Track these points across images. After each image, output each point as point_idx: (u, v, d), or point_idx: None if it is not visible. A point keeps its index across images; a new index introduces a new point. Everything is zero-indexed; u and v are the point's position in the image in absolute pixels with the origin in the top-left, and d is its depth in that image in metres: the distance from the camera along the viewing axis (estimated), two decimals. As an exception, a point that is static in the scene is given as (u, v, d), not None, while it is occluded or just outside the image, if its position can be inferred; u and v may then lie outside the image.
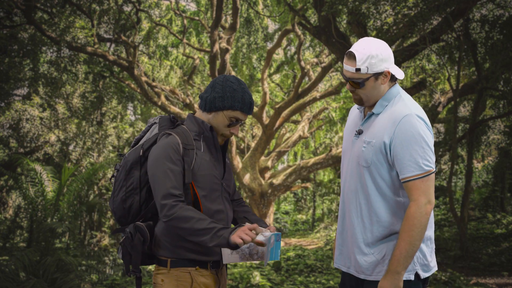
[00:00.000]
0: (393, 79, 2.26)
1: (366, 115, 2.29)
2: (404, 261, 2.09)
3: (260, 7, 16.37)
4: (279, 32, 15.84)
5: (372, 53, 2.13)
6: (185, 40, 15.28)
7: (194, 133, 2.18)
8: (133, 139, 2.40)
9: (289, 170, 14.62)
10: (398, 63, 10.92)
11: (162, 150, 2.07)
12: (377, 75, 2.17)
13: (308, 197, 25.58)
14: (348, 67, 2.18)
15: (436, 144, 12.29)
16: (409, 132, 2.12)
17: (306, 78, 15.28)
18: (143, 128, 2.39)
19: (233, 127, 2.20)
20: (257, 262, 9.72)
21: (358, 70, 2.14)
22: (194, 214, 1.98)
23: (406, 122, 2.13)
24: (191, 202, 2.11)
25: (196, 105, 14.92)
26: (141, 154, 2.16)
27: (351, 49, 2.18)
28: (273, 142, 18.49)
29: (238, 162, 14.08)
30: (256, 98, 18.26)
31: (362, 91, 2.21)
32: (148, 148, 2.17)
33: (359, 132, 2.28)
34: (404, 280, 2.17)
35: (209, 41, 15.90)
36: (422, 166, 2.11)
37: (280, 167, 21.69)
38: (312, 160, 14.30)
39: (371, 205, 2.21)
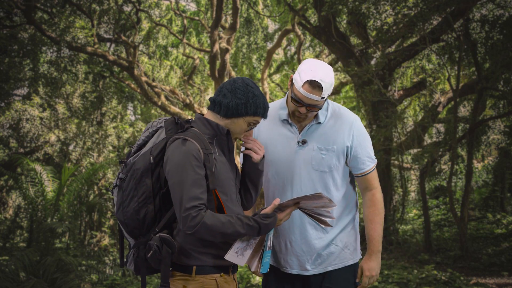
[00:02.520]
0: None
1: (306, 125, 2.41)
2: (381, 240, 2.44)
3: (260, 7, 16.37)
4: (279, 32, 15.85)
5: (332, 81, 2.28)
6: (185, 40, 15.28)
7: (207, 136, 2.12)
8: (135, 142, 2.27)
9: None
10: (398, 63, 10.94)
11: (182, 157, 1.98)
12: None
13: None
14: (313, 96, 2.25)
15: (436, 144, 12.27)
16: (363, 133, 2.45)
17: (306, 78, 15.27)
18: (144, 129, 2.27)
19: (248, 130, 2.20)
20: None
21: (322, 98, 2.27)
22: (221, 222, 1.95)
23: (358, 125, 2.44)
24: (215, 207, 2.06)
25: (196, 105, 14.91)
26: (151, 161, 2.05)
27: (315, 79, 2.23)
28: (273, 142, 18.48)
29: (238, 162, 14.08)
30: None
31: (314, 112, 2.35)
32: (158, 154, 2.07)
33: (304, 142, 2.39)
34: (356, 262, 2.48)
35: (209, 41, 15.90)
36: (374, 158, 2.47)
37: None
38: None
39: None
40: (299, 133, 2.42)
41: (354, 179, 2.52)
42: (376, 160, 2.49)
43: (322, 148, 2.38)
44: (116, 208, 2.10)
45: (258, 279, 7.62)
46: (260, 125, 2.51)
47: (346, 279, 2.43)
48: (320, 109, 2.33)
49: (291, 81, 2.33)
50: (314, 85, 2.23)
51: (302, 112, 2.32)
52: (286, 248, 2.43)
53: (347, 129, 2.41)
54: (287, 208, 2.10)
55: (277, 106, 2.50)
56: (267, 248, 2.12)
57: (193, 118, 2.24)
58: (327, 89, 2.25)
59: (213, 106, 2.15)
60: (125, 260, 2.21)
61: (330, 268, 2.42)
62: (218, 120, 2.15)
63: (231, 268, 2.12)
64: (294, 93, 2.30)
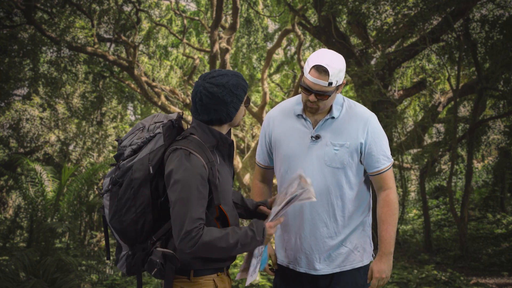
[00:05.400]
0: None
1: (320, 120, 2.38)
2: (393, 241, 2.37)
3: (260, 7, 16.37)
4: (279, 32, 15.84)
5: (340, 67, 2.27)
6: (185, 40, 15.28)
7: (209, 144, 2.07)
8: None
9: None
10: (398, 63, 10.93)
11: (188, 175, 1.93)
12: (339, 86, 2.31)
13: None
14: (319, 81, 2.24)
15: (436, 144, 12.27)
16: (378, 130, 2.40)
17: (306, 78, 15.25)
18: (132, 128, 2.18)
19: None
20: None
21: (330, 84, 2.24)
22: (216, 237, 1.94)
23: (374, 122, 2.40)
24: (215, 218, 2.05)
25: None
26: (151, 171, 1.97)
27: (321, 64, 2.23)
28: (273, 142, 18.46)
29: (238, 162, 14.07)
30: (256, 98, 18.26)
31: (325, 102, 2.31)
32: (156, 163, 2.00)
33: (317, 137, 2.36)
34: (366, 265, 2.43)
35: (209, 41, 15.90)
36: (390, 157, 2.41)
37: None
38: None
39: (345, 203, 2.37)
40: (313, 128, 2.39)
41: (368, 178, 2.46)
42: (392, 159, 2.43)
43: (335, 143, 2.34)
44: (109, 214, 2.03)
45: (257, 279, 7.61)
46: (275, 120, 2.50)
47: (354, 281, 2.39)
48: (329, 96, 2.28)
49: (302, 72, 2.35)
50: (320, 70, 2.23)
51: (312, 100, 2.29)
52: (296, 244, 2.41)
53: (361, 125, 2.36)
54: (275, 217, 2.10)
55: (293, 102, 2.49)
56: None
57: (191, 123, 2.15)
58: (335, 74, 2.23)
59: (213, 123, 2.09)
60: (112, 257, 2.19)
61: (338, 270, 2.38)
62: (222, 127, 2.12)
63: (225, 266, 2.12)
64: (303, 81, 2.31)
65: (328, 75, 2.22)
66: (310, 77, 2.25)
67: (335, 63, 2.24)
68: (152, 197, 2.00)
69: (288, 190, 2.12)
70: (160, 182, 2.02)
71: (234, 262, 9.61)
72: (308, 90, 2.29)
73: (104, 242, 15.43)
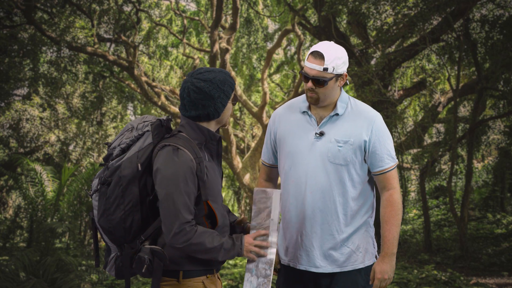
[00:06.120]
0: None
1: (325, 117, 2.39)
2: (396, 242, 2.35)
3: (260, 7, 16.37)
4: (279, 32, 15.84)
5: (338, 54, 2.29)
6: (185, 40, 15.28)
7: (197, 141, 2.08)
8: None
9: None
10: (398, 63, 10.94)
11: (176, 169, 1.94)
12: (338, 77, 2.32)
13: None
14: (315, 65, 2.28)
15: (436, 144, 12.28)
16: (383, 129, 2.39)
17: (306, 78, 15.23)
18: (122, 129, 2.18)
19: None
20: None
21: (325, 69, 2.27)
22: (206, 237, 1.98)
23: (379, 121, 2.40)
24: (204, 216, 2.06)
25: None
26: (139, 169, 1.97)
27: (318, 49, 2.29)
28: (273, 142, 18.44)
29: (238, 162, 14.07)
30: (256, 98, 18.26)
31: (323, 90, 2.32)
32: (144, 160, 2.00)
33: (321, 134, 2.37)
34: (368, 266, 2.41)
35: (209, 41, 15.89)
36: (394, 157, 2.40)
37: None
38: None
39: (347, 200, 2.36)
40: (318, 125, 2.40)
41: (372, 179, 2.45)
42: (396, 160, 2.42)
43: (339, 140, 2.34)
44: (98, 214, 2.03)
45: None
46: (280, 118, 2.52)
47: (354, 282, 2.38)
48: (327, 83, 2.29)
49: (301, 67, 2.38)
50: (316, 55, 2.28)
51: (309, 87, 2.31)
52: (297, 241, 2.40)
53: (366, 123, 2.37)
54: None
55: (300, 99, 2.51)
56: None
57: (180, 122, 2.16)
58: (330, 60, 2.26)
59: (201, 119, 2.10)
60: (99, 261, 2.19)
61: (338, 270, 2.37)
62: (210, 124, 2.13)
63: (215, 268, 2.12)
64: (303, 70, 2.35)
65: (324, 60, 2.26)
66: (307, 63, 2.31)
67: (332, 50, 2.28)
68: (141, 195, 2.00)
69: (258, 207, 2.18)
70: (149, 180, 2.02)
71: (228, 264, 9.61)
72: (306, 77, 2.32)
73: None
